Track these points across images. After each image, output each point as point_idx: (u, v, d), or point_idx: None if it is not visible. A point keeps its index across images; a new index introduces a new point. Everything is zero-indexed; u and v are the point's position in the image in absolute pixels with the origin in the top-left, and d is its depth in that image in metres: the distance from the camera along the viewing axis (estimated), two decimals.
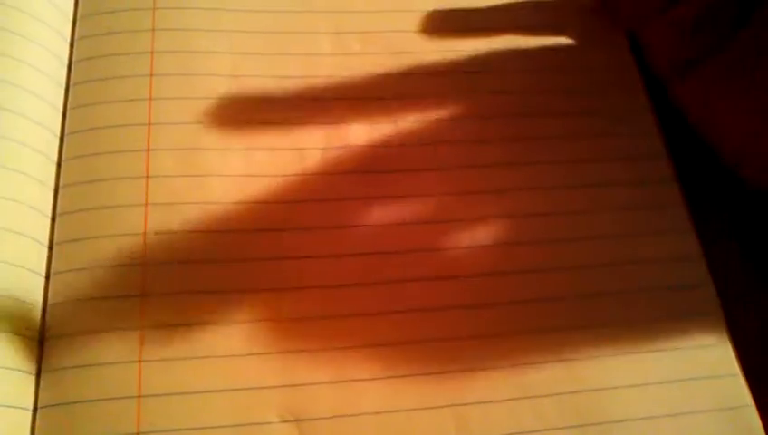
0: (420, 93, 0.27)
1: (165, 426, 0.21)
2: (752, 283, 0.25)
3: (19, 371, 0.21)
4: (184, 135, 0.25)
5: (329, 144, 0.26)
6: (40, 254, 0.23)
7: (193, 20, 0.27)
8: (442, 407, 0.22)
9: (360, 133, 0.26)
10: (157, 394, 0.21)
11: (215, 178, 0.25)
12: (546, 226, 0.25)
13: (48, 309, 0.22)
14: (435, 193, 0.25)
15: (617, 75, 0.29)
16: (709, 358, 0.23)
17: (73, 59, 0.26)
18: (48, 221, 0.23)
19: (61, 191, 0.24)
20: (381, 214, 0.25)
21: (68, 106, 0.26)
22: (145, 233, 0.23)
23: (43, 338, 0.22)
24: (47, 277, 0.23)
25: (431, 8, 0.29)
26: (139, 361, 0.22)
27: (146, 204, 0.24)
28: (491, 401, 0.22)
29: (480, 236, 0.25)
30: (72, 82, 0.26)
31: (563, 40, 0.29)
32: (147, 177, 0.24)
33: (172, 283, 0.23)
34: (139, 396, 0.21)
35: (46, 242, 0.23)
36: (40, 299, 0.22)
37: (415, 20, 0.29)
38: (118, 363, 0.22)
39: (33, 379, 0.21)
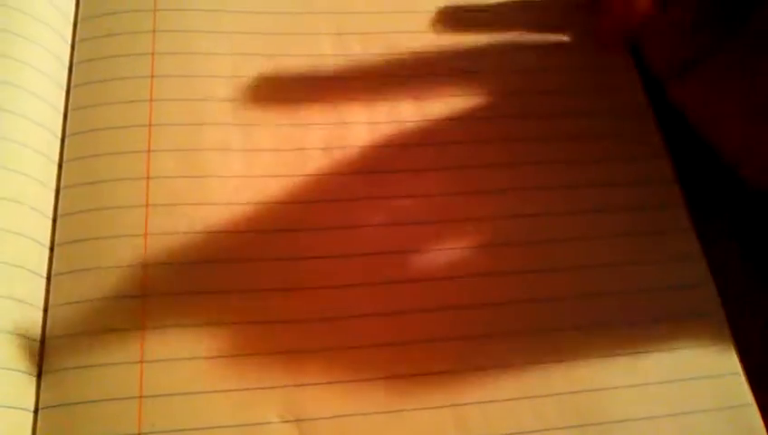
0: (420, 94, 0.27)
1: (166, 426, 0.21)
2: (752, 283, 0.25)
3: (20, 371, 0.21)
4: (185, 136, 0.25)
5: (330, 145, 0.26)
6: (41, 255, 0.23)
7: (194, 21, 0.28)
8: (442, 407, 0.22)
9: (361, 134, 0.26)
10: (158, 395, 0.21)
11: (215, 179, 0.25)
12: (546, 226, 0.25)
13: (49, 310, 0.22)
14: (436, 193, 0.25)
15: (616, 75, 0.29)
16: (710, 357, 0.23)
17: (74, 60, 0.26)
18: (49, 222, 0.24)
19: (62, 192, 0.24)
20: (382, 215, 0.25)
21: (69, 107, 0.26)
22: (146, 234, 0.23)
23: (44, 339, 0.22)
24: (48, 278, 0.23)
25: (432, 9, 0.29)
26: (141, 361, 0.22)
27: (147, 205, 0.24)
28: (491, 402, 0.22)
29: (481, 236, 0.25)
30: (72, 84, 0.26)
31: (563, 40, 0.29)
32: (147, 178, 0.24)
33: (173, 283, 0.23)
34: (141, 397, 0.21)
35: (47, 243, 0.23)
36: (41, 300, 0.22)
37: (416, 21, 0.29)
38: (119, 364, 0.22)
39: (34, 380, 0.21)
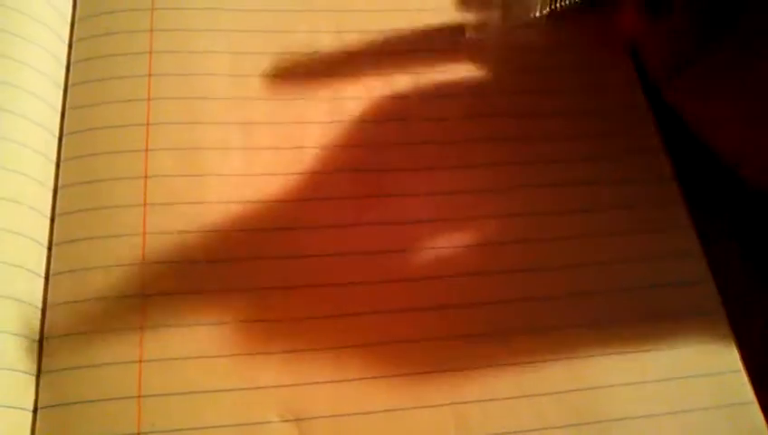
0: (420, 93, 0.27)
1: (165, 426, 0.21)
2: (752, 283, 0.25)
3: (19, 371, 0.21)
4: (182, 135, 0.25)
5: (328, 142, 0.26)
6: (39, 254, 0.23)
7: (191, 20, 0.27)
8: (442, 405, 0.22)
9: (359, 132, 0.26)
10: (157, 394, 0.21)
11: (213, 177, 0.25)
12: (546, 224, 0.25)
13: (48, 310, 0.22)
14: (433, 192, 0.25)
15: (615, 75, 0.29)
16: (710, 355, 0.23)
17: (72, 60, 0.26)
18: (47, 222, 0.23)
19: (60, 192, 0.24)
20: (378, 213, 0.25)
21: (66, 106, 0.25)
22: (144, 233, 0.23)
23: (43, 338, 0.22)
24: (47, 278, 0.23)
25: (431, 7, 0.29)
26: (140, 361, 0.22)
27: (144, 204, 0.24)
28: (491, 400, 0.22)
29: (480, 235, 0.25)
30: (70, 83, 0.26)
31: (562, 39, 0.29)
32: (145, 177, 0.24)
33: (171, 282, 0.23)
34: (140, 396, 0.21)
35: (46, 243, 0.23)
36: (40, 300, 0.22)
37: (415, 19, 0.29)
38: (118, 364, 0.22)
39: (33, 379, 0.21)
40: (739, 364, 0.23)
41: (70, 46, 0.27)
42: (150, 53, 0.27)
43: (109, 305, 0.22)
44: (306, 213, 0.24)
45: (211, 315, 0.23)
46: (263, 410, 0.21)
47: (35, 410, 0.21)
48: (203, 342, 0.22)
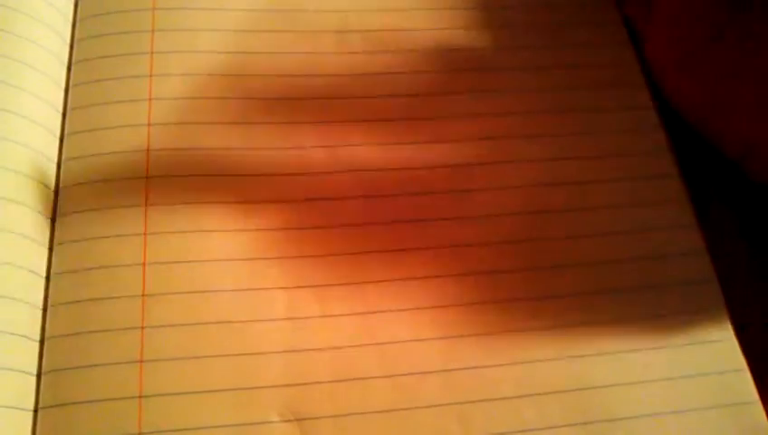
0: (421, 92, 0.27)
1: (166, 426, 0.21)
2: (759, 282, 0.25)
3: (20, 371, 0.21)
4: (184, 135, 0.25)
5: (331, 143, 0.26)
6: (40, 255, 0.23)
7: (193, 20, 0.27)
8: (445, 405, 0.22)
9: (362, 132, 0.26)
10: (158, 394, 0.21)
11: (216, 177, 0.25)
12: (546, 224, 0.25)
13: (48, 309, 0.22)
14: (434, 190, 0.25)
15: (619, 71, 0.29)
16: (714, 354, 0.23)
17: (73, 60, 0.26)
18: (48, 222, 0.23)
19: (61, 192, 0.24)
20: (380, 211, 0.25)
21: (68, 107, 0.26)
22: (145, 233, 0.23)
23: (44, 338, 0.22)
24: (48, 278, 0.23)
25: (435, 6, 0.29)
26: (140, 361, 0.22)
27: (146, 204, 0.24)
28: (494, 399, 0.22)
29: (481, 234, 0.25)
30: (71, 83, 0.26)
31: (568, 35, 0.29)
32: (147, 177, 0.24)
33: (172, 282, 0.23)
34: (140, 396, 0.21)
35: (46, 243, 0.23)
36: (41, 300, 0.22)
37: (418, 18, 0.29)
38: (119, 364, 0.21)
39: (33, 379, 0.21)
40: (743, 364, 0.23)
41: (71, 46, 0.27)
42: (152, 53, 0.27)
43: (109, 305, 0.22)
44: (310, 213, 0.24)
45: (211, 314, 0.22)
46: (264, 409, 0.21)
47: (36, 411, 0.21)
48: (204, 341, 0.22)
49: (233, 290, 0.23)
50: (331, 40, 0.28)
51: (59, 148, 0.25)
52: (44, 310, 0.22)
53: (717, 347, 0.23)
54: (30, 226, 0.23)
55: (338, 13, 0.28)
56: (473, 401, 0.22)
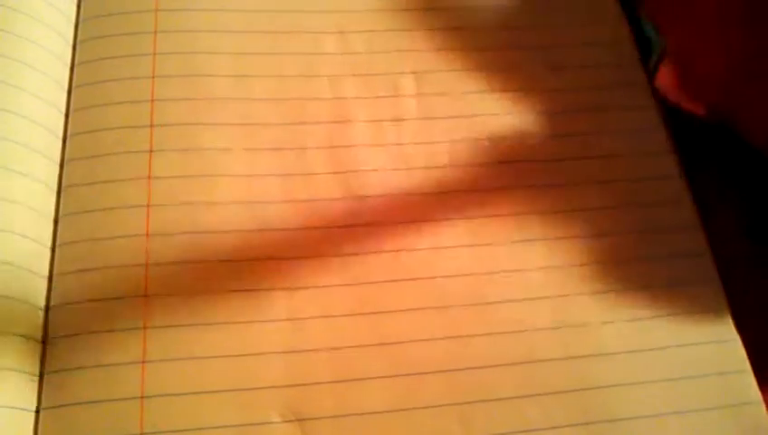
0: (421, 91, 0.27)
1: (168, 427, 0.21)
2: (761, 283, 0.25)
3: (22, 372, 0.21)
4: (186, 136, 0.25)
5: (332, 143, 0.26)
6: (42, 255, 0.23)
7: (195, 21, 0.27)
8: (446, 405, 0.22)
9: (363, 131, 0.26)
10: (159, 395, 0.21)
11: (217, 178, 0.25)
12: (546, 224, 0.25)
13: (50, 310, 0.22)
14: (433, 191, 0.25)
15: (623, 72, 0.29)
16: (716, 354, 0.23)
17: (76, 61, 0.26)
18: (51, 223, 0.24)
19: (63, 193, 0.24)
20: (383, 215, 0.25)
21: (70, 108, 0.26)
22: (147, 234, 0.23)
23: (46, 339, 0.22)
24: (50, 279, 0.23)
25: (435, 6, 0.29)
26: (142, 361, 0.22)
27: (148, 205, 0.24)
28: (496, 399, 0.22)
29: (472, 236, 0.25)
30: (74, 84, 0.26)
31: (571, 38, 0.29)
32: (149, 178, 0.24)
33: (174, 283, 0.23)
34: (142, 397, 0.21)
35: (49, 243, 0.23)
36: (42, 301, 0.22)
37: (419, 18, 0.29)
38: (120, 364, 0.22)
39: (35, 380, 0.21)
40: (746, 365, 0.23)
41: (74, 48, 0.27)
42: (154, 54, 0.27)
43: (112, 306, 0.22)
44: (312, 214, 0.24)
45: (213, 316, 0.22)
46: (265, 410, 0.21)
47: (38, 411, 0.21)
48: (206, 342, 0.22)
49: (233, 290, 0.23)
50: (331, 40, 0.28)
51: (62, 148, 0.25)
52: (46, 310, 0.22)
53: (719, 347, 0.23)
54: (32, 226, 0.23)
55: (338, 13, 0.28)
56: (474, 402, 0.22)
